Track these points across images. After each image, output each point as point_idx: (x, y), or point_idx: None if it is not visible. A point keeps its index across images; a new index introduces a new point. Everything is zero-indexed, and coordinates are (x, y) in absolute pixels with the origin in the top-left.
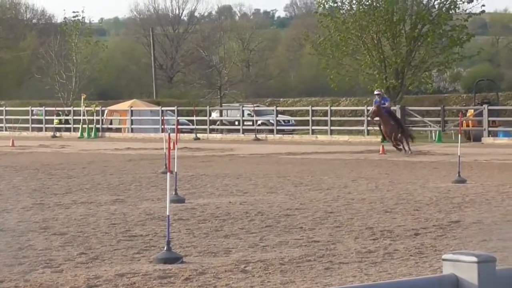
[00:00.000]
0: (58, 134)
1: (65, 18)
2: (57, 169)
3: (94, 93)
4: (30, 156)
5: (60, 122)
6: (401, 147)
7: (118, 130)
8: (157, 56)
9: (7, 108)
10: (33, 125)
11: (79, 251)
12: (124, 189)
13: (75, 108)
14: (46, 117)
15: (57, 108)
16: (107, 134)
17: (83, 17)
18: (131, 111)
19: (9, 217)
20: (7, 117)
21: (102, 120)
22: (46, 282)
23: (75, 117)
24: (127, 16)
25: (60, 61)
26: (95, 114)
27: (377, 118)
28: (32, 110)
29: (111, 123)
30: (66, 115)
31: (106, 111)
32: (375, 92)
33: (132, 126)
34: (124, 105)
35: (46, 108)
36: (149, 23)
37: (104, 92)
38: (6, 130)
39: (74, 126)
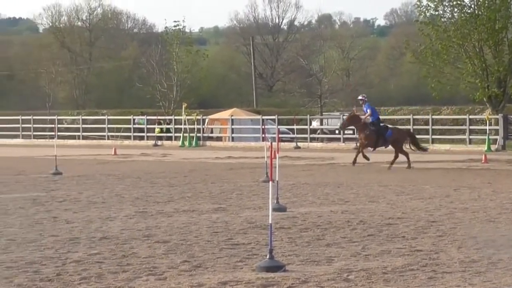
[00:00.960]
0: (159, 142)
1: (166, 27)
2: (159, 177)
3: (195, 102)
4: (132, 164)
5: (161, 130)
6: (368, 157)
7: (218, 139)
8: (257, 65)
9: (109, 117)
10: (134, 134)
11: (182, 259)
12: (226, 198)
13: (176, 117)
14: (148, 126)
15: (159, 117)
16: (207, 143)
17: (183, 27)
18: (232, 119)
19: (112, 225)
20: (109, 126)
21: (203, 129)
22: None
23: (176, 126)
24: (227, 25)
25: (161, 70)
26: (196, 123)
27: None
28: (133, 119)
29: (211, 132)
30: (167, 124)
31: (207, 120)
32: (359, 98)
33: (233, 135)
34: (224, 114)
35: (148, 117)
36: (249, 32)
37: (205, 101)
38: (108, 139)
39: (175, 135)
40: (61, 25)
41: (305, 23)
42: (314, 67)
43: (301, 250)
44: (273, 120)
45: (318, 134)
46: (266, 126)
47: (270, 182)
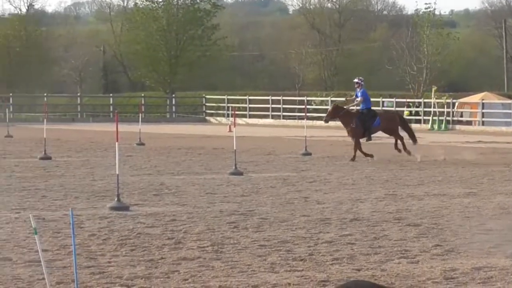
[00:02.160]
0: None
1: (416, 9)
2: (408, 160)
3: (444, 85)
4: (380, 147)
5: (410, 113)
6: (368, 153)
7: (468, 122)
8: (508, 49)
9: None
10: None
11: (434, 243)
12: (477, 183)
13: (425, 100)
14: (397, 109)
15: (408, 100)
16: (457, 126)
17: (434, 9)
18: (482, 103)
19: (363, 207)
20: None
21: (453, 112)
22: (402, 273)
23: (425, 109)
24: (478, 8)
25: (411, 53)
26: (445, 106)
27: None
28: (382, 102)
29: (461, 116)
30: (417, 107)
31: (456, 104)
32: (355, 80)
33: (483, 119)
34: (475, 98)
35: (396, 100)
36: (501, 15)
37: (454, 84)
38: None
39: (424, 118)
40: (311, 7)
41: None
42: None
43: None
44: None
45: None
46: None
47: None
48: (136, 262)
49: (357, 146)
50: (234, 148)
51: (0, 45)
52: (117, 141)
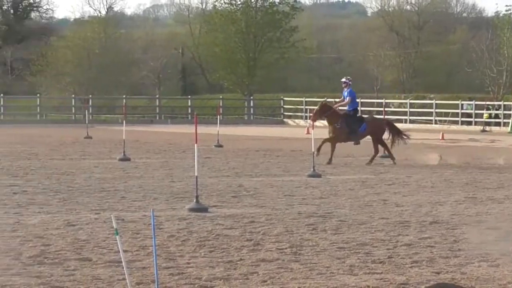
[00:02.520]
0: (487, 128)
1: (496, 12)
2: (488, 163)
3: None
4: (459, 149)
5: (489, 116)
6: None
7: None
8: None
9: (436, 101)
10: (462, 119)
11: None
12: None
13: (505, 103)
14: (476, 111)
15: (487, 102)
16: None
17: None
18: None
19: (442, 210)
20: (436, 110)
21: None
22: (482, 276)
23: (505, 112)
24: None
25: (491, 55)
26: None
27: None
28: (461, 104)
29: None
30: (496, 110)
31: None
32: (342, 80)
33: None
34: None
35: (476, 102)
36: None
37: None
38: (436, 123)
39: (504, 120)
40: (390, 9)
41: None
42: None
43: None
44: None
45: None
46: None
47: None
48: (215, 264)
49: (333, 146)
50: (312, 150)
51: (80, 48)
52: (196, 142)
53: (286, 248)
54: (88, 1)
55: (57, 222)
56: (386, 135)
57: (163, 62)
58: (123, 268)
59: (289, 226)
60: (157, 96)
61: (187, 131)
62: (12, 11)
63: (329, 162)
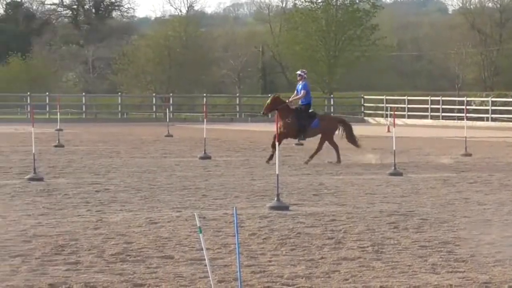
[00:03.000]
0: None
1: None
2: None
3: None
4: None
5: None
6: (272, 152)
7: None
8: None
9: None
10: None
11: None
12: None
13: None
14: None
15: None
16: None
17: None
18: None
19: None
20: None
21: None
22: None
23: None
24: None
25: None
26: None
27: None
28: None
29: None
30: None
31: None
32: (298, 72)
33: None
34: None
35: None
36: None
37: None
38: None
39: None
40: (471, 7)
41: None
42: None
43: None
44: None
45: None
46: None
47: None
48: (296, 262)
49: (279, 142)
50: (393, 148)
51: (160, 46)
52: (277, 140)
53: (367, 247)
54: (169, 0)
55: (139, 220)
56: (337, 132)
57: (243, 61)
58: (205, 266)
59: (371, 224)
60: (237, 94)
61: (266, 129)
62: (94, 10)
63: (269, 159)
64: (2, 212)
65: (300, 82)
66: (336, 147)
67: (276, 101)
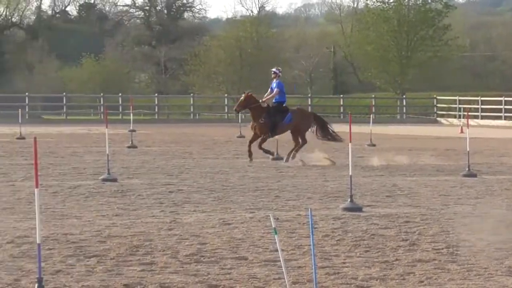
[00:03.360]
0: None
1: None
2: None
3: None
4: None
5: None
6: (271, 151)
7: None
8: None
9: None
10: None
11: None
12: None
13: None
14: None
15: None
16: None
17: None
18: None
19: None
20: None
21: None
22: None
23: None
24: None
25: None
26: None
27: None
28: None
29: None
30: None
31: None
32: (272, 70)
33: None
34: None
35: None
36: None
37: None
38: None
39: None
40: None
41: None
42: None
43: None
44: None
45: None
46: None
47: None
48: (370, 263)
49: (262, 142)
50: (467, 149)
51: (232, 47)
52: (350, 141)
53: (442, 249)
54: (241, 1)
55: (213, 221)
56: (310, 130)
57: (314, 61)
58: (279, 267)
59: (445, 226)
60: (309, 95)
61: (339, 130)
62: (165, 11)
63: (250, 157)
64: (77, 213)
65: (275, 80)
66: (302, 144)
67: (249, 100)
